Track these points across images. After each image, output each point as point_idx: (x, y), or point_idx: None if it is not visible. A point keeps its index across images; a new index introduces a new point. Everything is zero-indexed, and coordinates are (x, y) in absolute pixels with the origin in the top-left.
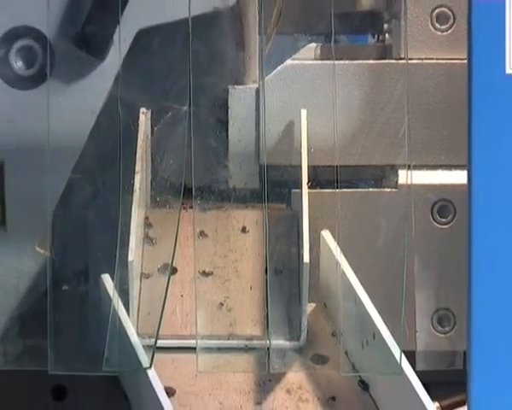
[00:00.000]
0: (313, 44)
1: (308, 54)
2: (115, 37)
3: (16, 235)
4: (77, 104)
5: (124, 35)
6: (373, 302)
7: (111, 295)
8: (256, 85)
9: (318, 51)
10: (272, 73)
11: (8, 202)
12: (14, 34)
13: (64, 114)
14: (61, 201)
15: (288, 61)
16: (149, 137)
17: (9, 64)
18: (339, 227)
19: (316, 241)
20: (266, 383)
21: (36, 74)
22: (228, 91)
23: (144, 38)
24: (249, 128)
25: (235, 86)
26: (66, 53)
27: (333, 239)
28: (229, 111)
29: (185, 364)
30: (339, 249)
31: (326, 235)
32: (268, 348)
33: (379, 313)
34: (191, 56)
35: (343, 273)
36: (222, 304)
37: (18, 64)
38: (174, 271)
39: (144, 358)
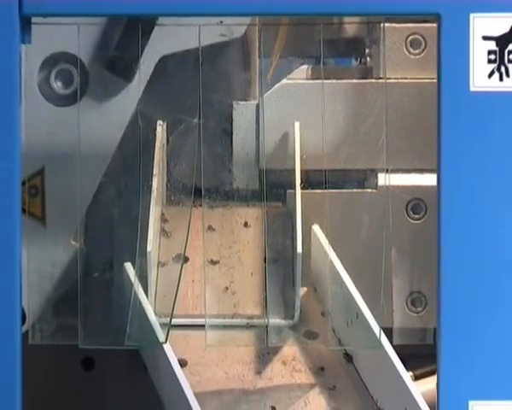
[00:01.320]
0: (305, 66)
1: (301, 74)
2: (140, 62)
3: (53, 230)
4: (107, 119)
5: (148, 60)
6: (356, 287)
7: (132, 281)
8: (257, 101)
9: (309, 72)
10: (270, 91)
11: (47, 202)
12: (54, 59)
13: (96, 127)
14: (92, 201)
15: (284, 81)
16: (165, 145)
17: (50, 85)
18: (327, 223)
19: (307, 234)
20: (265, 355)
21: (72, 94)
22: (232, 106)
23: (164, 63)
24: (250, 137)
25: (239, 102)
26: (98, 75)
27: (322, 233)
28: (234, 123)
29: (196, 339)
30: (327, 242)
31: (316, 229)
32: (266, 326)
33: (361, 295)
34: (201, 78)
35: (331, 262)
36: (227, 288)
37: (57, 85)
38: (186, 260)
39: (161, 334)
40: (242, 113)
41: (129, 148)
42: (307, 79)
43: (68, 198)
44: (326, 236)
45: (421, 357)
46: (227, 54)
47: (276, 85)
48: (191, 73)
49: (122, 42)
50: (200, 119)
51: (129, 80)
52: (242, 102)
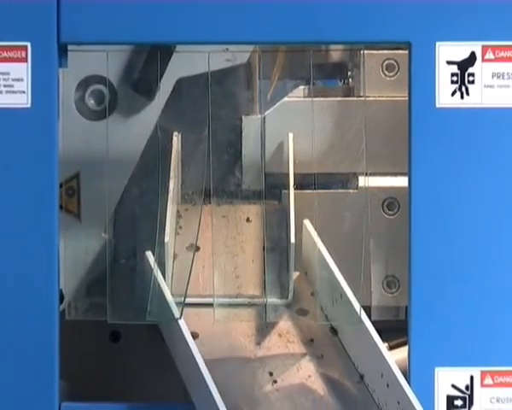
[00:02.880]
0: (302, 87)
1: (299, 93)
2: (160, 83)
3: (87, 224)
4: (132, 131)
5: (167, 82)
6: (340, 271)
7: (152, 267)
8: (262, 115)
9: (306, 91)
10: (273, 107)
11: (82, 201)
12: (87, 81)
13: (122, 138)
14: (120, 200)
15: (285, 99)
16: (180, 152)
17: (85, 102)
18: (316, 218)
19: (299, 227)
20: (264, 329)
21: (103, 110)
22: (241, 120)
23: (180, 84)
24: (255, 146)
25: (247, 116)
26: (126, 95)
27: (312, 226)
28: (243, 134)
29: (205, 315)
30: (316, 234)
31: (307, 223)
32: (265, 304)
33: (344, 278)
34: (211, 96)
35: (319, 251)
36: (232, 273)
37: (90, 102)
38: (197, 249)
39: (176, 311)
40: (250, 125)
41: (150, 156)
42: (304, 97)
43: (99, 198)
44: (315, 229)
45: (394, 330)
46: (234, 77)
47: (278, 102)
48: (202, 93)
49: (145, 66)
50: (209, 131)
51: (151, 99)
52: (250, 117)
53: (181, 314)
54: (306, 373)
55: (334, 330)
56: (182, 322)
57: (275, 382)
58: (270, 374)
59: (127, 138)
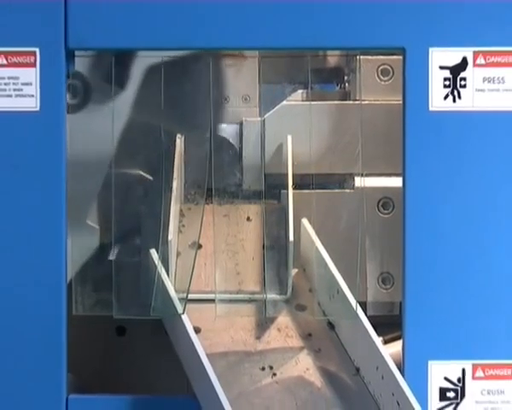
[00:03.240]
0: (300, 91)
1: (298, 97)
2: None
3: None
4: (106, 122)
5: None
6: (337, 268)
7: (156, 264)
8: (262, 118)
9: (304, 95)
10: (273, 110)
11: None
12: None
13: (98, 129)
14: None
15: (284, 102)
16: (183, 154)
17: None
18: (314, 217)
19: (297, 226)
20: (263, 324)
21: (78, 104)
22: (242, 123)
23: (150, 71)
24: (255, 148)
25: (247, 119)
26: (99, 86)
27: (309, 225)
28: (243, 136)
29: (207, 311)
30: (313, 232)
31: (305, 222)
32: (265, 300)
33: (341, 275)
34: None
35: (316, 248)
36: (233, 269)
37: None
38: (200, 247)
39: (179, 307)
40: (250, 127)
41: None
42: (303, 100)
43: (80, 190)
44: (313, 227)
45: (389, 325)
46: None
47: (277, 106)
48: (171, 79)
49: (117, 58)
50: (211, 133)
51: (123, 88)
52: (250, 119)
53: (184, 310)
54: (304, 366)
55: (331, 325)
56: (185, 317)
57: (274, 375)
58: (270, 367)
59: (103, 128)
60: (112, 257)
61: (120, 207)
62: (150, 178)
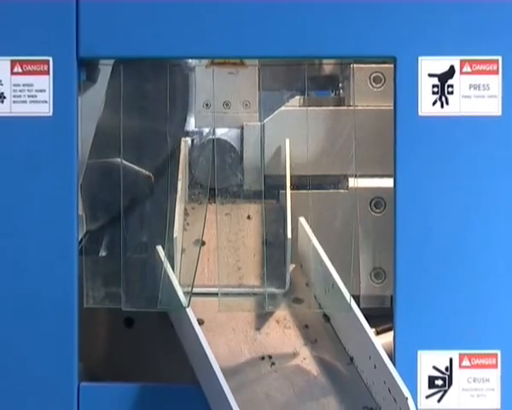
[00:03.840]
0: (297, 97)
1: (295, 103)
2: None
3: None
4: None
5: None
6: (332, 263)
7: (162, 260)
8: (262, 123)
9: (301, 101)
10: (272, 115)
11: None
12: None
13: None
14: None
15: (282, 108)
16: (187, 156)
17: None
18: (310, 215)
19: (295, 224)
20: (263, 316)
21: None
22: (243, 127)
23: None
24: (255, 150)
25: (248, 123)
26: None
27: (306, 223)
28: (244, 139)
29: (211, 304)
30: (310, 230)
31: (302, 220)
32: (265, 294)
33: (336, 270)
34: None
35: (313, 245)
36: (235, 265)
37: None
38: (203, 243)
39: (184, 300)
40: (250, 131)
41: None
42: (300, 106)
43: None
44: (309, 225)
45: (381, 317)
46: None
47: (276, 111)
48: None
49: None
50: (214, 136)
51: (94, 80)
52: (250, 124)
53: (189, 303)
54: (302, 356)
55: (326, 317)
56: (189, 310)
57: (273, 364)
58: (269, 357)
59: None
60: (103, 253)
61: (102, 194)
62: (150, 174)
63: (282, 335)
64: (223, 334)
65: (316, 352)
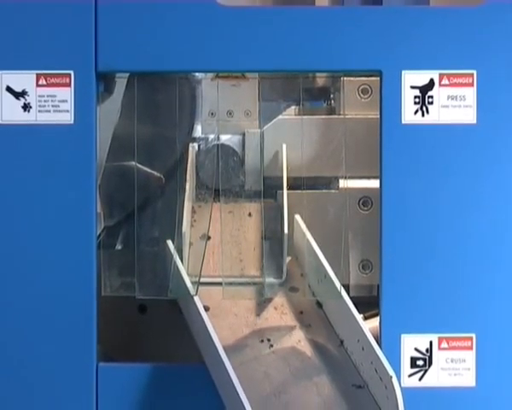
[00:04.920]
0: (293, 107)
1: (291, 112)
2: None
3: None
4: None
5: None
6: (325, 256)
7: (172, 252)
8: (262, 130)
9: (297, 111)
10: (270, 123)
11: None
12: None
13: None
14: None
15: (280, 117)
16: (194, 159)
17: None
18: (305, 213)
19: (291, 221)
20: (262, 303)
21: None
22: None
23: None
24: (255, 155)
25: (249, 130)
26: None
27: (301, 220)
28: (245, 145)
29: (215, 292)
30: (304, 225)
31: (298, 217)
32: (264, 283)
33: (328, 262)
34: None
35: (307, 240)
36: (237, 257)
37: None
38: (208, 238)
39: (192, 289)
40: (251, 137)
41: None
42: (295, 115)
43: None
44: (304, 222)
45: (369, 304)
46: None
47: (274, 119)
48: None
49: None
50: (218, 141)
51: (110, 92)
52: (251, 130)
53: (196, 292)
54: (297, 339)
55: (319, 304)
56: (196, 298)
57: (271, 346)
58: (268, 340)
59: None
60: (119, 246)
61: (118, 194)
62: (161, 176)
63: (280, 320)
64: (226, 319)
65: (310, 335)
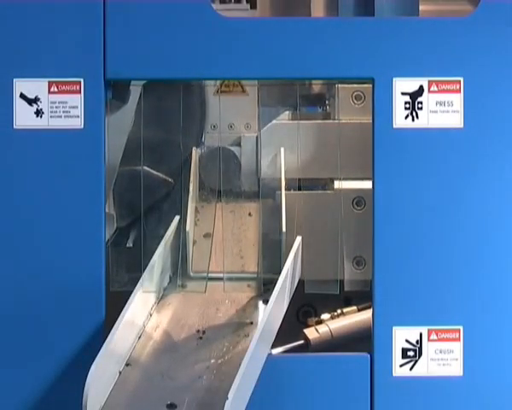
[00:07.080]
0: (287, 112)
1: (285, 117)
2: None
3: None
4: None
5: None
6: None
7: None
8: (256, 134)
9: (290, 116)
10: (265, 128)
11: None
12: None
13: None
14: (115, 182)
15: (274, 121)
16: (198, 163)
17: None
18: (302, 213)
19: (288, 219)
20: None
21: None
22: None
23: (146, 89)
24: (252, 157)
25: (245, 134)
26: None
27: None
28: (242, 148)
29: (218, 286)
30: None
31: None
32: (262, 278)
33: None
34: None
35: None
36: (237, 254)
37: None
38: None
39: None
40: (248, 141)
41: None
42: (289, 119)
43: None
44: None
45: (362, 298)
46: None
47: (269, 124)
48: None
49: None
50: (220, 146)
51: (124, 102)
52: (247, 134)
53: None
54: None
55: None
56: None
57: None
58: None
59: (110, 135)
60: (130, 245)
61: (130, 197)
62: (170, 180)
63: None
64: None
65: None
